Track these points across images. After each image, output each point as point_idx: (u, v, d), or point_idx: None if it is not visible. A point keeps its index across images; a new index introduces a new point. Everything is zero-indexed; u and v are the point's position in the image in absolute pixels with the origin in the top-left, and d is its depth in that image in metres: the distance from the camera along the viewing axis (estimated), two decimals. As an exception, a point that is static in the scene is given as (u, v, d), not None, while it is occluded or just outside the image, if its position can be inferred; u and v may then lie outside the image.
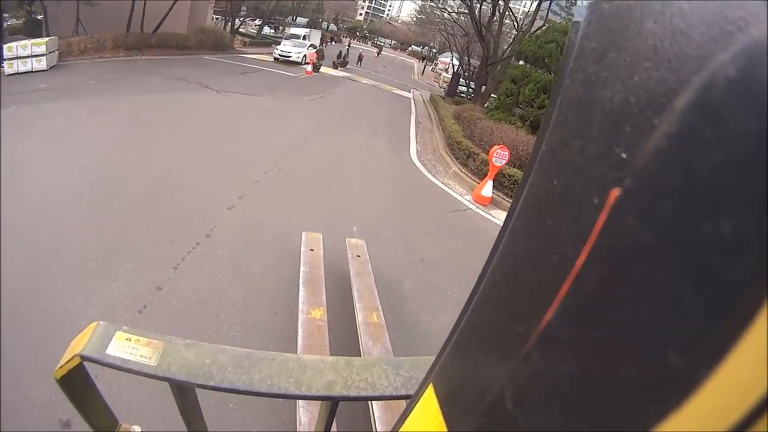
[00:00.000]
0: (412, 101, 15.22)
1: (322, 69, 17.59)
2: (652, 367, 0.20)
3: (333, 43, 33.91)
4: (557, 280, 0.26)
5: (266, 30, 27.21)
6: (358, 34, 62.09)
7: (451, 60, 30.81)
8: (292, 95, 10.86)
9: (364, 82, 17.81)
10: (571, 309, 0.25)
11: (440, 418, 0.39)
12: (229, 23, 18.92)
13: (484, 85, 14.89)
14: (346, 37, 46.36)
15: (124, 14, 11.78)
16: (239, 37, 19.98)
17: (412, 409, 0.46)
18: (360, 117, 10.11)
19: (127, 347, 0.71)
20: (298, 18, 29.94)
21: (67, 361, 0.68)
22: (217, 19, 19.59)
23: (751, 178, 0.17)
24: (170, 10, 12.86)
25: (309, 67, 15.87)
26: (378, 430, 1.61)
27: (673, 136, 0.20)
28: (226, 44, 16.54)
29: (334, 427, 0.91)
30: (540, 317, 0.27)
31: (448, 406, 0.39)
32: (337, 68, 20.10)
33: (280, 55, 16.62)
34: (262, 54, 18.12)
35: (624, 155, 0.23)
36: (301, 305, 2.33)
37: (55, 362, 0.71)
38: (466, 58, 18.42)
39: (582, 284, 0.24)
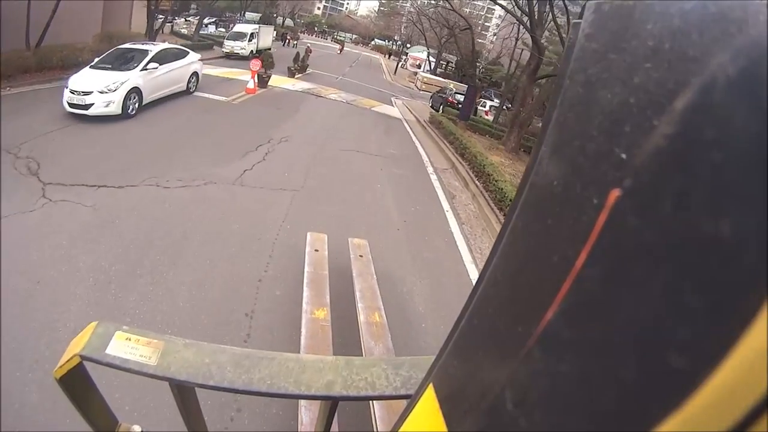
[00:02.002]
0: (410, 131, 10.35)
1: (273, 79, 11.76)
2: (652, 367, 0.20)
3: (290, 43, 26.79)
4: (557, 280, 0.26)
5: (211, 29, 22.98)
6: (316, 29, 58.44)
7: (427, 57, 28.78)
8: (208, 162, 5.20)
9: (332, 97, 12.35)
10: (571, 309, 0.25)
11: (440, 417, 0.39)
12: (164, 24, 13.67)
13: (523, 107, 10.54)
14: (303, 32, 40.92)
15: (19, 29, 7.70)
16: (176, 39, 14.43)
17: (412, 408, 0.46)
18: (349, 219, 4.52)
19: (127, 347, 0.71)
20: (247, 13, 25.13)
21: (67, 361, 0.68)
22: (160, 19, 13.98)
23: (751, 178, 0.17)
24: (54, 13, 8.28)
25: (251, 83, 10.08)
26: (379, 429, 1.61)
27: (672, 136, 0.20)
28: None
29: (335, 427, 0.91)
30: (540, 317, 0.27)
31: (449, 406, 0.39)
32: (293, 76, 14.24)
33: (68, 102, 6.24)
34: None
35: (624, 155, 0.23)
36: (305, 305, 2.33)
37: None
38: (457, 56, 15.40)
39: (582, 284, 0.24)
